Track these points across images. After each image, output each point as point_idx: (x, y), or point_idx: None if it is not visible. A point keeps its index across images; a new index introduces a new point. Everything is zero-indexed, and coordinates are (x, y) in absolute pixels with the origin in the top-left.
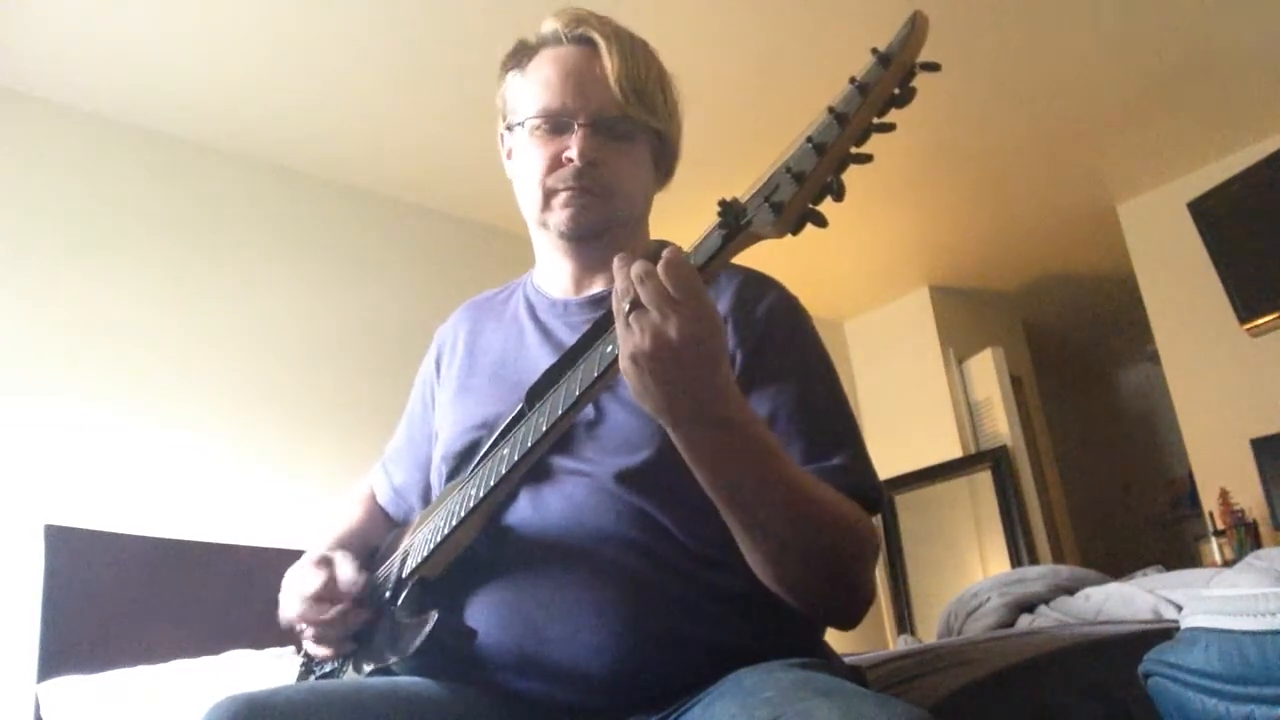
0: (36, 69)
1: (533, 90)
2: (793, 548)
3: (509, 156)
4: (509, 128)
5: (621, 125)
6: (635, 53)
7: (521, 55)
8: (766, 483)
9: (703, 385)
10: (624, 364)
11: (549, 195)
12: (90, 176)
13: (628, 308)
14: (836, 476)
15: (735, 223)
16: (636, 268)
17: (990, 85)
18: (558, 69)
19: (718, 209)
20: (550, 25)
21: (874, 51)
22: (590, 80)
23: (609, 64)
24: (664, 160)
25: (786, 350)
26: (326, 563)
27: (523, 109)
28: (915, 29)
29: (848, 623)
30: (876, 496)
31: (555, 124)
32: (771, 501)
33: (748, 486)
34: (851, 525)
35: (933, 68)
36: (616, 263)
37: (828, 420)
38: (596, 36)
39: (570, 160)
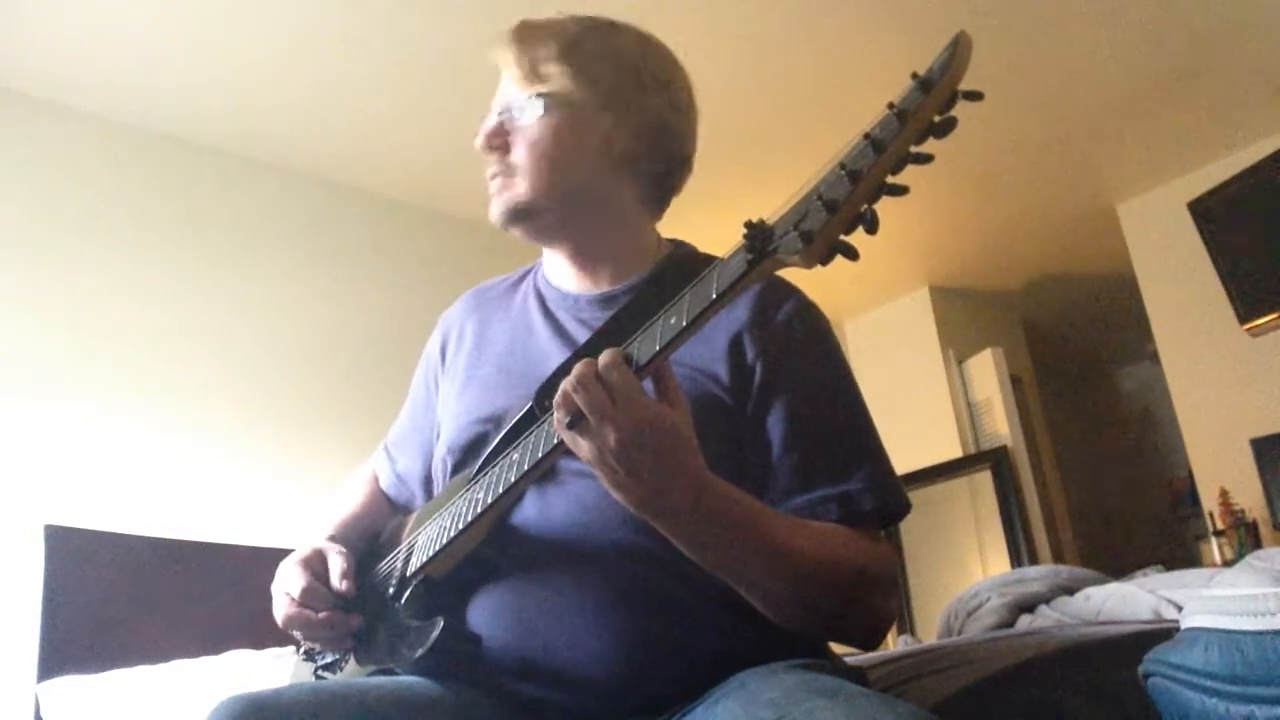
0: (36, 69)
1: None
2: (791, 601)
3: None
4: None
5: (517, 103)
6: (533, 34)
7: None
8: (752, 553)
9: (660, 479)
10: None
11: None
12: (90, 176)
13: (568, 420)
14: (854, 502)
15: (761, 248)
16: (571, 377)
17: (990, 85)
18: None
19: (744, 230)
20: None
21: (914, 76)
22: (505, 76)
23: (509, 56)
24: (626, 127)
25: (805, 361)
26: (315, 560)
27: None
28: (958, 52)
29: (865, 645)
30: (899, 509)
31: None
32: (760, 570)
33: (732, 560)
34: (856, 564)
35: (975, 96)
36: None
37: (847, 435)
38: (501, 47)
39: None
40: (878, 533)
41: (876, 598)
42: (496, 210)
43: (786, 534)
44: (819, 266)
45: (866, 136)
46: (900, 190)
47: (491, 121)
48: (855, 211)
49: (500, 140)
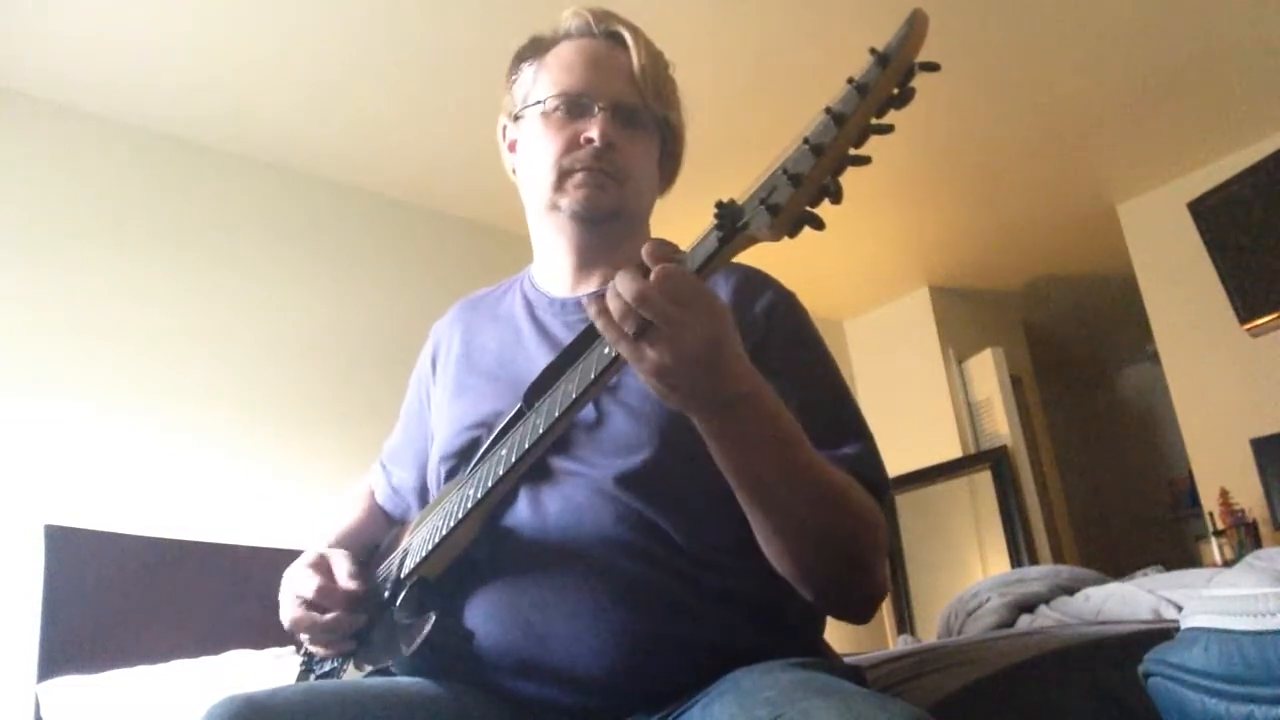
0: (36, 69)
1: (551, 75)
2: (812, 531)
3: (512, 149)
4: (517, 117)
5: (640, 115)
6: (657, 55)
7: (538, 48)
8: (788, 464)
9: (725, 375)
10: (649, 380)
11: (564, 175)
12: (90, 176)
13: (633, 330)
14: (848, 464)
15: (732, 225)
16: (629, 290)
17: (990, 85)
18: (580, 56)
19: (714, 211)
20: (575, 19)
21: (872, 51)
22: (612, 68)
23: (635, 57)
24: (668, 162)
25: (789, 348)
26: (323, 563)
27: (538, 93)
28: (914, 28)
29: (861, 615)
30: (885, 487)
31: (574, 106)
32: (792, 483)
33: (769, 468)
34: (868, 511)
35: (932, 68)
36: (616, 280)
37: (836, 415)
38: (624, 32)
39: (589, 141)
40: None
41: (880, 562)
42: (598, 202)
43: (819, 458)
44: (787, 238)
45: (828, 111)
46: (863, 161)
47: (608, 124)
48: (820, 183)
49: (619, 142)
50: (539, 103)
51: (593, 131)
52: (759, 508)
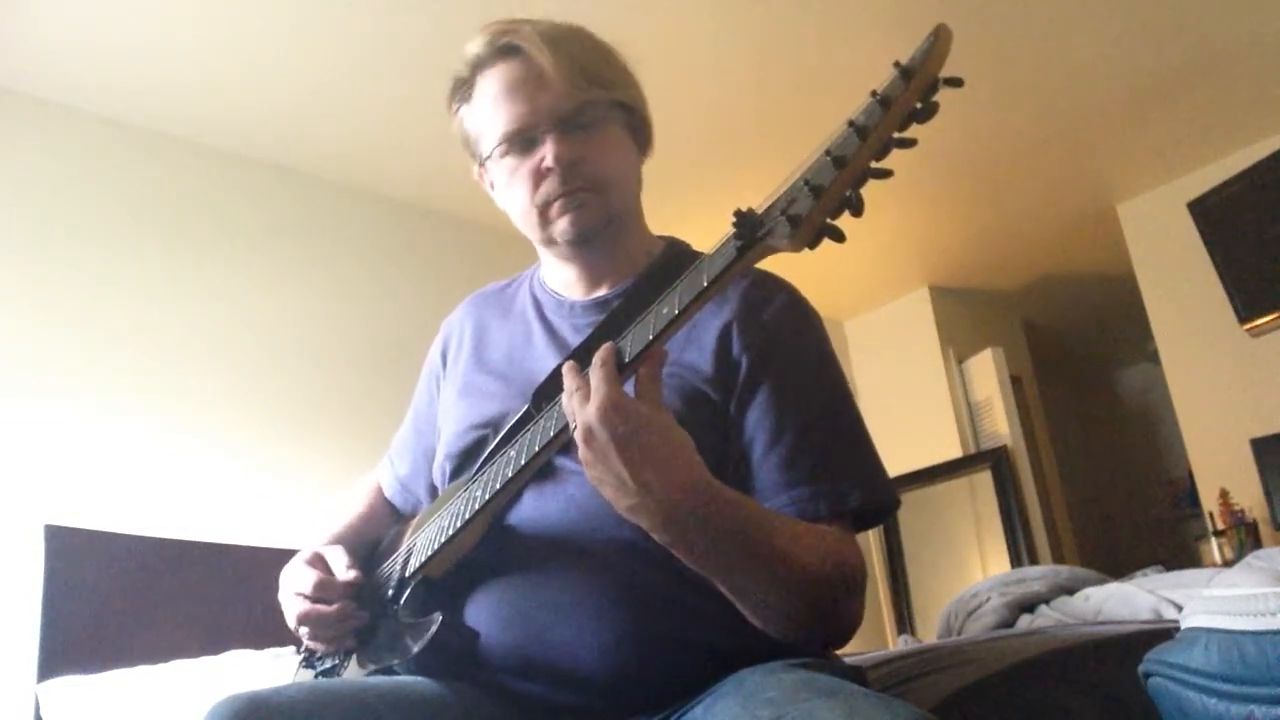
0: (36, 69)
1: (486, 118)
2: (778, 610)
3: (493, 188)
4: (482, 163)
5: (584, 113)
6: (564, 39)
7: (462, 89)
8: (746, 560)
9: (642, 477)
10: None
11: (544, 210)
12: (91, 177)
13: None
14: (844, 500)
15: (751, 235)
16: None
17: (990, 85)
18: (499, 87)
19: (733, 219)
20: (474, 47)
21: (896, 64)
22: (533, 85)
23: (544, 61)
24: (640, 131)
25: (794, 357)
26: (319, 559)
27: (486, 140)
28: (938, 42)
29: (836, 647)
30: (891, 504)
31: (522, 142)
32: (754, 579)
33: (723, 567)
34: (836, 569)
35: (956, 83)
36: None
37: (837, 431)
38: (520, 42)
39: (550, 169)
40: (854, 533)
41: (854, 602)
42: (585, 222)
43: (784, 543)
44: (807, 250)
45: (851, 123)
46: (885, 174)
47: (559, 143)
48: (841, 195)
49: (578, 155)
50: (488, 156)
51: (549, 160)
52: (725, 590)
